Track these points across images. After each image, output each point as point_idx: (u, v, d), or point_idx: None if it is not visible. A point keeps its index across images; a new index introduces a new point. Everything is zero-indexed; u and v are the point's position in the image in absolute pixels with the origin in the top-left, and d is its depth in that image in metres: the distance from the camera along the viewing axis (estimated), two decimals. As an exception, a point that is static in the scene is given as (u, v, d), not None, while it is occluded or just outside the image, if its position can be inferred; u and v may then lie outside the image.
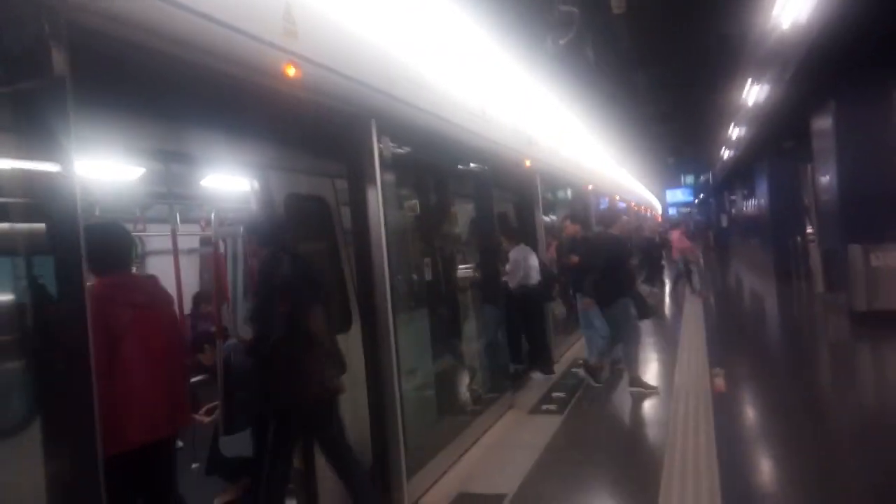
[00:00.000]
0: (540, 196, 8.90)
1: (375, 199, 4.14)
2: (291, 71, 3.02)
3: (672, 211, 46.89)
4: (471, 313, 7.11)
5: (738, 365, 8.33)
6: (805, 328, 11.55)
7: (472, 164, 6.49)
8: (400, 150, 4.50)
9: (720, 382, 7.14)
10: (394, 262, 4.30)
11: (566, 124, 10.65)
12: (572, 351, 9.38)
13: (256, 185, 3.97)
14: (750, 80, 11.03)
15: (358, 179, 4.16)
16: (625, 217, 7.30)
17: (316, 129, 3.87)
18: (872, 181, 10.25)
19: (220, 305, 4.17)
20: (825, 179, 11.57)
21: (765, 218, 22.21)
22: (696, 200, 48.29)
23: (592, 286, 7.17)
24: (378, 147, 4.14)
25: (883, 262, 10.03)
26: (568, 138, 10.83)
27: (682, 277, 15.71)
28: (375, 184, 4.12)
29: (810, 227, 19.77)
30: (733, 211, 38.67)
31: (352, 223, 4.29)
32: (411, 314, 5.32)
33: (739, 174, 31.17)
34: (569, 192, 12.92)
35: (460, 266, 7.10)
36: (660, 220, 27.99)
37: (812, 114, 11.84)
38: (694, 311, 12.74)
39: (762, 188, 24.33)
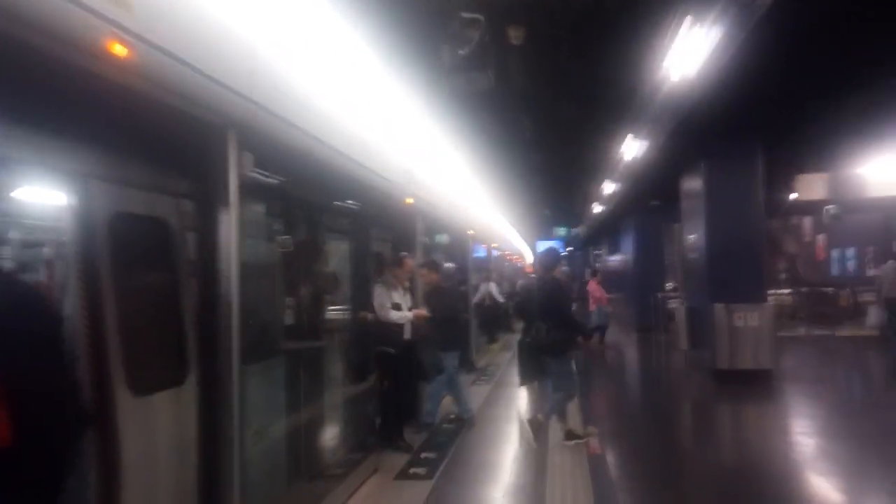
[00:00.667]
0: (420, 237, 8.46)
1: (228, 225, 3.45)
2: (119, 49, 2.33)
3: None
4: (337, 361, 6.45)
5: (611, 422, 8.20)
6: (672, 384, 11.81)
7: (348, 197, 5.90)
8: (263, 171, 3.85)
9: (594, 443, 6.89)
10: (248, 300, 3.60)
11: (450, 164, 10.34)
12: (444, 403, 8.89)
13: (74, 199, 3.14)
14: (630, 136, 11.30)
15: (207, 200, 3.46)
16: (408, 261, 7.04)
17: (156, 134, 3.14)
18: (737, 242, 10.72)
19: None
20: (692, 238, 12.03)
21: (628, 273, 23.25)
22: (563, 253, 50.63)
23: (545, 333, 6.83)
24: (236, 165, 3.47)
25: (744, 321, 10.44)
26: (451, 179, 10.53)
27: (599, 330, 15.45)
28: (229, 208, 3.44)
29: (671, 283, 20.97)
30: (597, 265, 40.68)
31: (196, 253, 3.55)
32: (264, 362, 4.59)
33: (606, 230, 32.88)
34: (445, 237, 12.67)
35: (330, 307, 6.44)
36: (529, 270, 28.55)
37: (683, 173, 12.35)
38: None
39: (627, 244, 25.66)
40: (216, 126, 3.34)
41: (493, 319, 16.13)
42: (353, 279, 7.06)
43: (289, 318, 4.88)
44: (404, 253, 7.28)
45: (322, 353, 5.89)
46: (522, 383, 7.87)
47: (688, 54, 6.98)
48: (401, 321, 6.67)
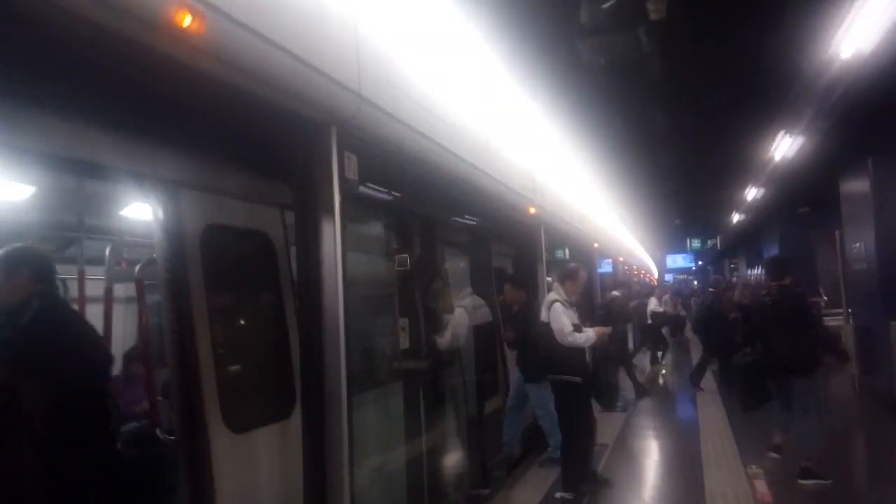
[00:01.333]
0: (544, 251, 7.83)
1: (332, 237, 3.03)
2: (188, 21, 1.95)
3: (668, 277, 45.92)
4: (456, 386, 5.95)
5: (774, 461, 7.09)
6: (842, 416, 10.32)
7: (464, 205, 5.41)
8: (371, 175, 3.43)
9: (761, 488, 5.93)
10: (353, 322, 3.18)
11: (574, 169, 9.64)
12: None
13: (161, 210, 2.84)
14: (783, 132, 10.08)
15: (307, 208, 3.07)
16: (582, 273, 6.28)
17: (245, 131, 2.78)
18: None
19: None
20: (857, 247, 10.56)
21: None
22: (693, 268, 47.37)
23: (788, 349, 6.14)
24: (339, 166, 3.06)
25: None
26: (575, 186, 9.82)
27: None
28: (333, 217, 3.03)
29: (824, 297, 18.85)
30: (734, 279, 37.85)
31: (298, 269, 3.17)
32: (377, 390, 4.17)
33: (744, 241, 30.52)
34: (567, 251, 11.90)
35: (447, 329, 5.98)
36: (654, 282, 26.97)
37: (845, 173, 10.92)
38: (708, 387, 11.54)
39: (772, 252, 23.53)
40: (315, 121, 2.95)
41: (655, 338, 15.58)
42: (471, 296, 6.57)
43: (403, 341, 4.43)
44: (574, 264, 6.66)
45: (438, 377, 5.41)
46: (748, 409, 7.03)
47: (865, 25, 5.94)
48: (585, 344, 5.93)
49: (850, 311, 11.16)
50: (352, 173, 3.22)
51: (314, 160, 3.08)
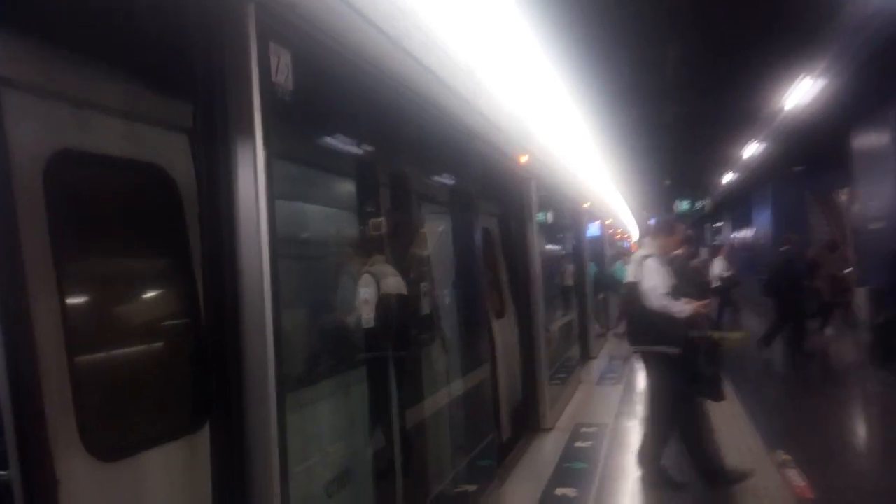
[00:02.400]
0: (535, 210, 6.87)
1: (252, 174, 2.09)
2: None
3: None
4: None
5: (803, 442, 6.26)
6: (859, 387, 9.60)
7: (443, 144, 4.36)
8: (312, 82, 2.44)
9: (796, 479, 5.14)
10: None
11: (568, 118, 8.63)
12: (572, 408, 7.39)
13: None
14: (803, 75, 9.16)
15: (215, 130, 2.10)
16: (679, 227, 5.60)
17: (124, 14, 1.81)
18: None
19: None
20: (875, 204, 9.79)
21: (762, 251, 20.68)
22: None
23: None
24: (261, 66, 2.09)
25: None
26: (568, 138, 8.83)
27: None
28: (253, 143, 2.08)
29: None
30: (715, 243, 37.21)
31: (203, 219, 2.20)
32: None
33: (732, 203, 29.81)
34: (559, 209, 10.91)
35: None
36: (635, 248, 26.16)
37: (858, 125, 10.10)
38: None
39: (761, 217, 22.88)
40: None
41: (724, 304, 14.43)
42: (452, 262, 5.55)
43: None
44: (670, 216, 5.71)
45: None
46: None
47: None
48: (681, 315, 4.91)
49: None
50: (282, 77, 2.24)
51: (224, 58, 2.10)
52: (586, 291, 11.38)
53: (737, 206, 28.41)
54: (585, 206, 11.78)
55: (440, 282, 4.41)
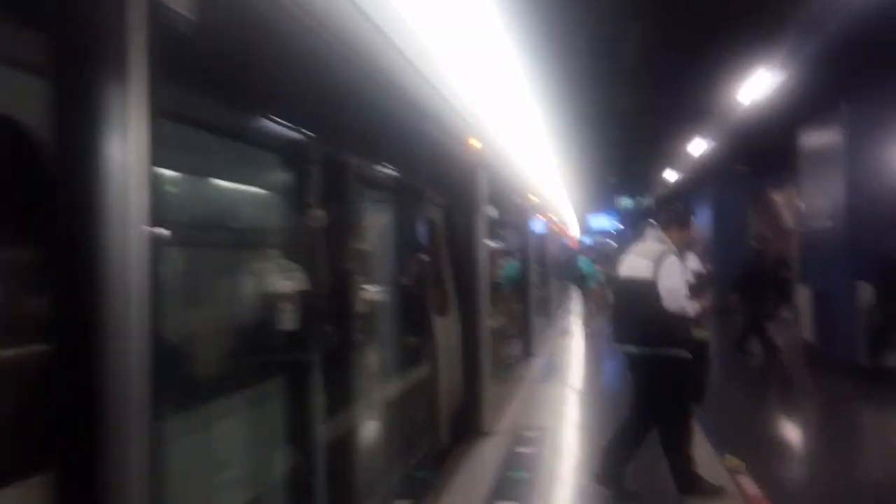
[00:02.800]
0: (484, 201, 6.41)
1: (135, 134, 1.53)
2: None
3: (587, 240, 45.50)
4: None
5: (749, 447, 6.06)
6: (803, 389, 9.56)
7: (380, 115, 3.80)
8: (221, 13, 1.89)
9: (748, 484, 4.89)
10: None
11: (518, 105, 8.18)
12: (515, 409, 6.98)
13: None
14: (758, 67, 8.99)
15: (84, 73, 1.54)
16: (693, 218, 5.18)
17: None
18: (889, 206, 8.46)
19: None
20: (822, 204, 9.76)
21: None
22: (614, 231, 46.94)
23: None
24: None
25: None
26: (518, 127, 8.39)
27: None
28: (138, 88, 1.53)
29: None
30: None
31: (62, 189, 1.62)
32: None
33: (672, 202, 30.10)
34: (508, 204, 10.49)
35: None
36: (574, 245, 26.16)
37: (808, 123, 10.07)
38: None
39: (702, 217, 23.16)
40: None
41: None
42: (391, 256, 5.05)
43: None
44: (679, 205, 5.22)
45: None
46: None
47: None
48: (692, 313, 4.61)
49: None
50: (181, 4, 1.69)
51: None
52: (529, 286, 11.07)
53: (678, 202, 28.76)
54: (532, 200, 11.45)
55: (376, 277, 3.92)
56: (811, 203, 10.02)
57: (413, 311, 4.92)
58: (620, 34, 8.77)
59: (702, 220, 23.16)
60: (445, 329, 6.19)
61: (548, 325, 13.57)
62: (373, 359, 3.81)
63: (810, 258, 10.22)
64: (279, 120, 2.74)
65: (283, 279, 2.49)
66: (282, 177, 2.80)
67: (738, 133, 11.90)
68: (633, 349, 4.69)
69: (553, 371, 9.33)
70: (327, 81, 2.87)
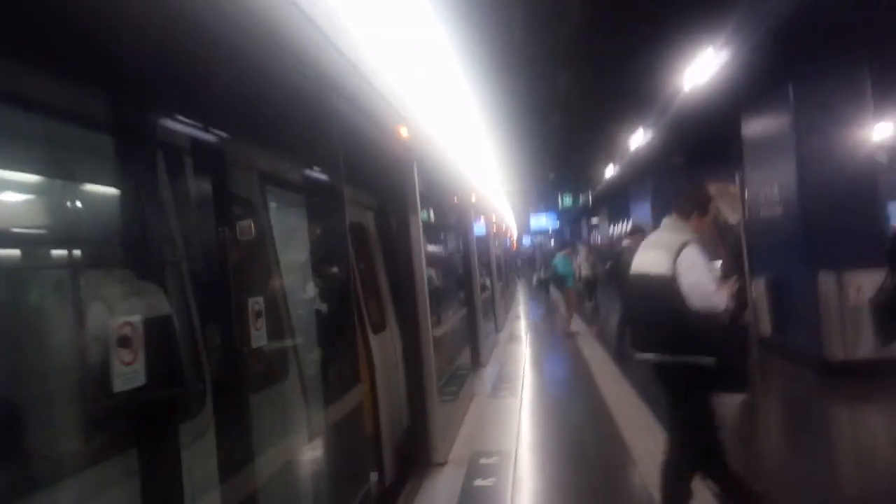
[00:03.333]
0: (418, 200, 5.71)
1: None
2: None
3: (526, 240, 45.23)
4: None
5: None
6: (765, 384, 9.20)
7: (294, 100, 3.07)
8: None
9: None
10: None
11: (452, 95, 7.50)
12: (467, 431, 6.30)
13: None
14: (702, 49, 8.59)
15: None
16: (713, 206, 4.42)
17: None
18: (842, 188, 8.18)
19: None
20: (769, 191, 9.45)
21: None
22: (551, 230, 46.78)
23: None
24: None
25: (860, 293, 7.90)
26: (452, 118, 7.72)
27: None
28: None
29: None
30: (592, 240, 37.48)
31: None
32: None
33: (611, 198, 30.10)
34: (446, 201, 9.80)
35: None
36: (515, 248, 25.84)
37: (752, 108, 9.76)
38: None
39: (640, 210, 23.07)
40: None
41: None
42: (308, 268, 4.25)
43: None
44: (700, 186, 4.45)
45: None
46: None
47: None
48: (721, 307, 3.87)
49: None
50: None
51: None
52: (474, 290, 10.44)
53: (616, 199, 28.68)
54: (472, 199, 10.83)
55: (289, 295, 3.17)
56: (758, 192, 9.71)
57: (339, 330, 4.17)
58: (559, 6, 8.21)
59: (639, 215, 23.12)
60: (383, 345, 5.47)
61: (494, 331, 12.98)
62: (283, 393, 3.06)
63: (761, 248, 9.93)
64: (138, 100, 1.99)
65: (131, 306, 1.72)
66: (138, 171, 2.04)
67: (677, 122, 11.56)
68: (653, 357, 3.94)
69: (505, 382, 8.68)
70: (211, 53, 2.14)
